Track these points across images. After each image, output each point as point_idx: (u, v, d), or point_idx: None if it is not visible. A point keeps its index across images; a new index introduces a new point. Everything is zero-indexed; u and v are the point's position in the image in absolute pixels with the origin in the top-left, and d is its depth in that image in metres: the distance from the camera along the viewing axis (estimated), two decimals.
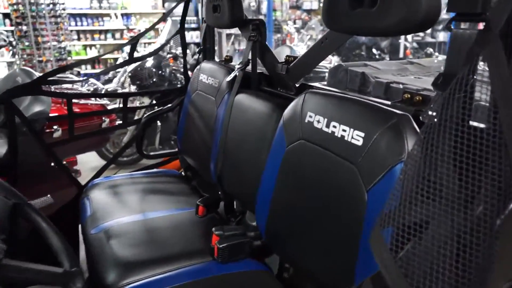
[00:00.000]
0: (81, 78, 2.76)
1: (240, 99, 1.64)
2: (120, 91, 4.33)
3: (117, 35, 7.98)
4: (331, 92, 1.18)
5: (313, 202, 1.15)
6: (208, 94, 1.93)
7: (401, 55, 7.23)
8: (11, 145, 1.76)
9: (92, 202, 1.85)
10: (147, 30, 2.09)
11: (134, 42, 2.06)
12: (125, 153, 4.01)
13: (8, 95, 1.72)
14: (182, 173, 2.28)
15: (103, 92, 4.17)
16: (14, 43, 5.98)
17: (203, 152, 1.90)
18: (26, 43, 5.93)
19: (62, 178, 2.07)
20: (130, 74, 4.48)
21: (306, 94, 1.23)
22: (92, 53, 7.78)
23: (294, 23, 7.45)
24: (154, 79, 4.44)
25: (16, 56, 6.14)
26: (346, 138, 1.03)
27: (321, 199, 1.12)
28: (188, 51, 2.41)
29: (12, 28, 6.40)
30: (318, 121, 1.14)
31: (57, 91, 2.25)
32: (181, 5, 2.09)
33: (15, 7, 5.94)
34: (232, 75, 1.70)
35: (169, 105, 2.27)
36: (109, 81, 4.82)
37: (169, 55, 4.56)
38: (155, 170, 2.27)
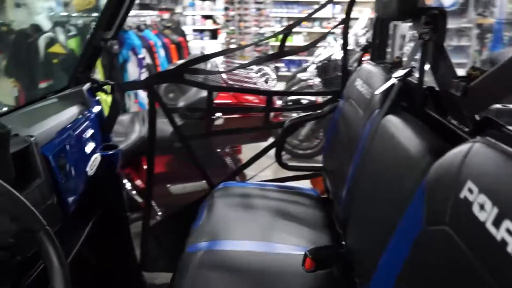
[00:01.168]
0: (220, 70, 2.63)
1: (388, 122, 1.12)
2: (311, 82, 4.31)
3: (324, 23, 7.89)
4: None
5: None
6: (358, 105, 1.45)
7: None
8: (150, 129, 1.74)
9: (210, 208, 1.65)
10: (301, 20, 1.88)
11: (287, 32, 1.89)
12: (302, 146, 4.10)
13: (150, 82, 1.76)
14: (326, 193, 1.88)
15: (274, 82, 4.12)
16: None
17: (340, 176, 1.47)
18: (231, 28, 6.35)
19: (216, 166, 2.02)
20: (317, 65, 4.31)
21: (477, 144, 0.66)
22: (298, 39, 7.87)
23: None
24: (339, 73, 4.11)
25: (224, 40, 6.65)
26: None
27: None
28: None
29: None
30: (482, 207, 0.57)
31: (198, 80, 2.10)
32: None
33: None
34: (386, 85, 1.18)
35: (319, 111, 1.87)
36: (305, 70, 4.80)
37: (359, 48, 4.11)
38: (292, 185, 1.92)
